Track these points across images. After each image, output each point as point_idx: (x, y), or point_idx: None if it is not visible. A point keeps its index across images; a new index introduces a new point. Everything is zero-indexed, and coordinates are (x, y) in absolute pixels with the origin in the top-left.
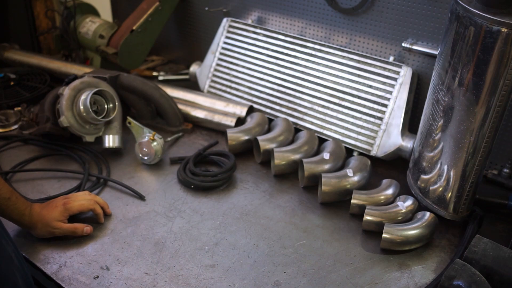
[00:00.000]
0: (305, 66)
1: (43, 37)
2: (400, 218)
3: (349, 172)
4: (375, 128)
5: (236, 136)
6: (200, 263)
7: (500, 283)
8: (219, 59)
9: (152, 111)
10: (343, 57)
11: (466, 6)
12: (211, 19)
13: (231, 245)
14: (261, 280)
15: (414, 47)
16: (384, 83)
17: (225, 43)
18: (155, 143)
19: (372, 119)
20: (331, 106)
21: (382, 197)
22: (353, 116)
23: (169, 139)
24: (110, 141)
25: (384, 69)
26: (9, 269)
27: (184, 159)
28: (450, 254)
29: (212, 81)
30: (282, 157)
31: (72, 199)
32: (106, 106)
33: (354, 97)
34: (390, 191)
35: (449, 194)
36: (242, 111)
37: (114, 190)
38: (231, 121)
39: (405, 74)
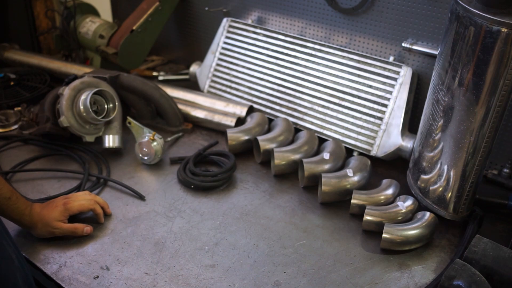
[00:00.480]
0: (305, 66)
1: (43, 37)
2: (400, 218)
3: (349, 172)
4: (375, 128)
5: (236, 136)
6: (200, 263)
7: (500, 283)
8: (219, 59)
9: (152, 111)
10: (343, 57)
11: (466, 6)
12: (211, 19)
13: (231, 245)
14: (261, 280)
15: (414, 47)
16: (384, 83)
17: (225, 43)
18: (155, 143)
19: (372, 119)
20: (331, 106)
21: (382, 197)
22: (353, 116)
23: (169, 139)
24: (110, 141)
25: (384, 69)
26: (9, 270)
27: (184, 159)
28: (450, 254)
29: (212, 81)
30: (282, 157)
31: (72, 199)
32: (106, 106)
33: (354, 97)
34: (390, 191)
35: (449, 194)
36: (242, 111)
37: (114, 190)
38: (231, 121)
39: (405, 74)
